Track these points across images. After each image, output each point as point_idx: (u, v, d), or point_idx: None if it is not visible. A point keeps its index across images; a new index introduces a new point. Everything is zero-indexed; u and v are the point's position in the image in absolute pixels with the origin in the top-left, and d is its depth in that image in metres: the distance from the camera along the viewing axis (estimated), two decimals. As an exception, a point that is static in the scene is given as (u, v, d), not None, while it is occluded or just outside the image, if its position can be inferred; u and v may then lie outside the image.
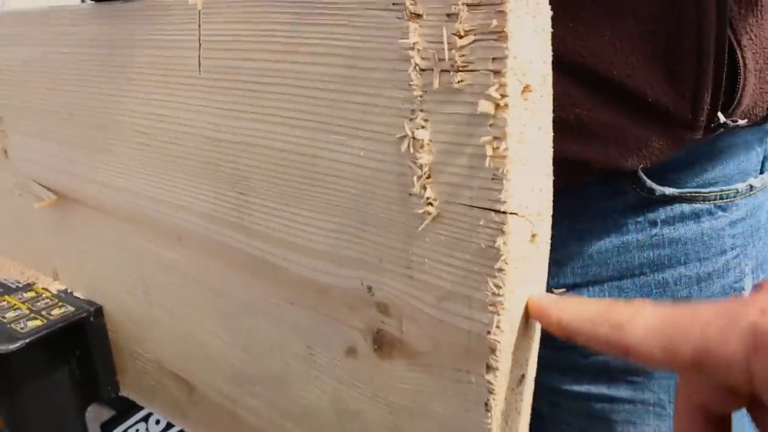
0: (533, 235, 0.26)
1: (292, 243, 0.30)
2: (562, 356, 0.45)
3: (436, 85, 0.24)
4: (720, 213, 0.41)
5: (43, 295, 0.45)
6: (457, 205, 0.25)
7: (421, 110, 0.24)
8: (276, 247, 0.31)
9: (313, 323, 0.31)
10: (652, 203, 0.40)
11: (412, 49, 0.24)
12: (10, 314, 0.43)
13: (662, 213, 0.41)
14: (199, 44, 0.30)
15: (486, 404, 0.26)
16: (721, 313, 0.19)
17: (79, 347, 0.45)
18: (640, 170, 0.39)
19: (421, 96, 0.24)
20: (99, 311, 0.44)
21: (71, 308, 0.43)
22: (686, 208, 0.41)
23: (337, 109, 0.27)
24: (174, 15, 0.31)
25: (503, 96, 0.22)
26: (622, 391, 0.44)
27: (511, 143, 0.23)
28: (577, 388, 0.45)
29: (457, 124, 0.24)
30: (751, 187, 0.42)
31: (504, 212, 0.24)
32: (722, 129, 0.35)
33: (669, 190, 0.40)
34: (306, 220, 0.29)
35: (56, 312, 0.43)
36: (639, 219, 0.41)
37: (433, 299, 0.26)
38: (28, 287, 0.47)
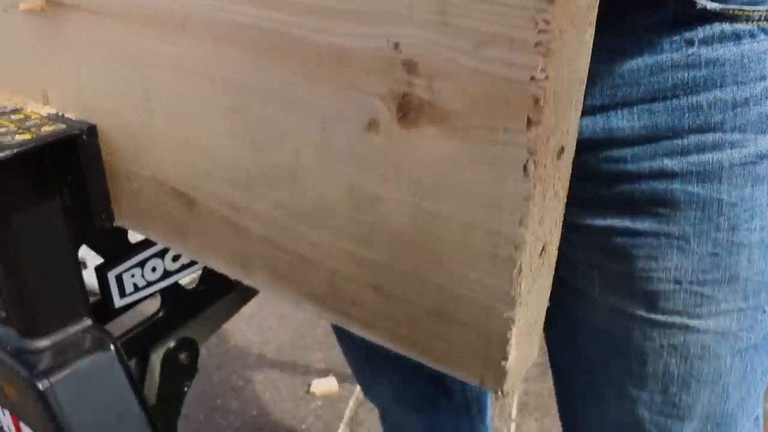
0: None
1: (311, 5, 0.27)
2: (582, 187, 0.43)
3: None
4: (762, 36, 0.38)
5: (33, 117, 0.42)
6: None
7: None
8: (292, 14, 0.27)
9: (329, 99, 0.28)
10: (690, 20, 0.38)
11: None
12: (-3, 129, 0.40)
13: (701, 32, 0.38)
14: None
15: (525, 168, 0.24)
16: None
17: (71, 172, 0.42)
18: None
19: None
20: (93, 129, 0.41)
21: (62, 126, 0.40)
22: (727, 27, 0.38)
23: None
24: None
25: None
26: (645, 224, 0.42)
27: None
28: (598, 222, 0.43)
29: None
30: None
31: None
32: None
33: (711, 5, 0.37)
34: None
35: (47, 129, 0.40)
36: (675, 38, 0.38)
37: (471, 46, 0.24)
38: (17, 111, 0.44)
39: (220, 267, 0.38)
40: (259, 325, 1.61)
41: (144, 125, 0.38)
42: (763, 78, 0.40)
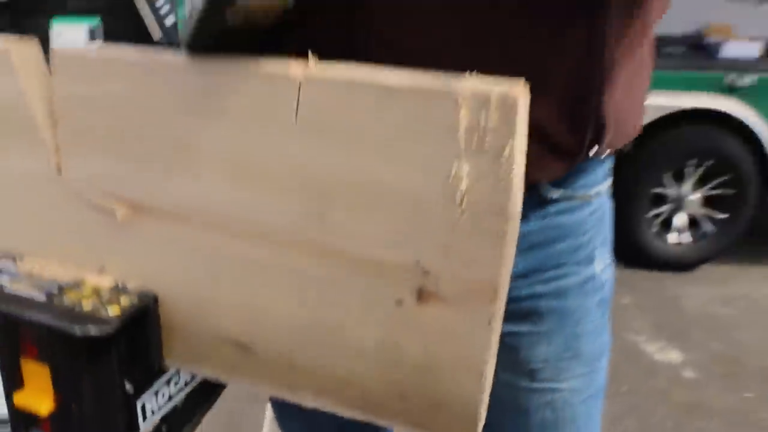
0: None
1: (370, 241, 0.46)
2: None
3: (473, 146, 0.42)
4: (585, 207, 0.65)
5: (101, 289, 0.56)
6: (479, 212, 0.43)
7: (465, 160, 0.43)
8: (348, 239, 0.47)
9: (373, 288, 0.48)
10: (546, 202, 0.63)
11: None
12: (86, 305, 0.53)
13: (551, 208, 0.63)
14: (297, 110, 0.46)
15: (489, 323, 0.46)
16: None
17: (131, 330, 0.56)
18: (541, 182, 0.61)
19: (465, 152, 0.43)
20: (156, 299, 0.56)
21: (135, 298, 0.55)
22: (565, 205, 0.64)
23: (410, 155, 0.44)
24: (275, 86, 0.46)
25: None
26: (525, 327, 0.66)
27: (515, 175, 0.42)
28: (498, 329, 0.66)
29: (481, 167, 0.43)
30: (599, 192, 0.66)
31: (507, 216, 0.43)
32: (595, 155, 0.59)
33: (557, 193, 0.62)
34: (381, 227, 0.46)
35: (124, 302, 0.54)
36: (537, 212, 0.63)
37: (462, 264, 0.45)
38: (81, 283, 0.57)
39: (270, 391, 0.55)
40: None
41: (207, 297, 0.54)
42: (585, 233, 0.66)
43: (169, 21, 1.82)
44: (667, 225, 3.06)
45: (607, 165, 0.68)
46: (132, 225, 0.55)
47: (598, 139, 0.59)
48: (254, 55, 0.47)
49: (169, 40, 1.80)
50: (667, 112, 2.87)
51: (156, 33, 1.79)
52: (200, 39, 0.46)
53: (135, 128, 0.52)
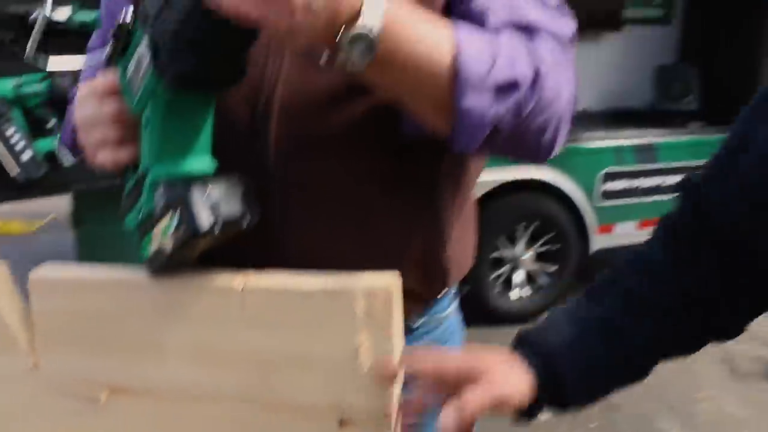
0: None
1: (302, 393, 0.66)
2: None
3: (367, 322, 0.64)
4: (439, 326, 0.90)
5: (82, 460, 0.69)
6: (375, 364, 0.65)
7: (363, 332, 0.64)
8: (289, 395, 0.66)
9: (306, 423, 0.67)
10: (413, 330, 0.87)
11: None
12: (75, 475, 0.67)
13: (416, 333, 0.87)
14: (242, 309, 0.65)
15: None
16: None
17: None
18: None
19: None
20: (130, 458, 0.70)
21: (114, 461, 0.69)
22: (426, 328, 0.88)
23: (326, 332, 0.65)
24: (224, 295, 0.65)
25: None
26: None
27: (396, 335, 0.65)
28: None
29: (374, 335, 0.64)
30: (448, 314, 0.91)
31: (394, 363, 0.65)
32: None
33: (419, 322, 0.86)
34: (310, 382, 0.66)
35: (106, 466, 0.68)
36: (407, 338, 0.86)
37: (367, 400, 0.66)
38: (62, 458, 0.70)
39: None
40: None
41: (176, 449, 0.70)
42: (444, 342, 0.90)
43: (25, 156, 1.86)
44: (508, 283, 3.49)
45: (452, 292, 0.93)
46: (107, 404, 0.70)
47: (444, 284, 0.84)
48: (204, 270, 0.66)
49: (27, 175, 1.83)
50: (495, 185, 3.32)
51: (13, 169, 1.83)
52: (165, 268, 0.64)
53: (107, 331, 0.68)
